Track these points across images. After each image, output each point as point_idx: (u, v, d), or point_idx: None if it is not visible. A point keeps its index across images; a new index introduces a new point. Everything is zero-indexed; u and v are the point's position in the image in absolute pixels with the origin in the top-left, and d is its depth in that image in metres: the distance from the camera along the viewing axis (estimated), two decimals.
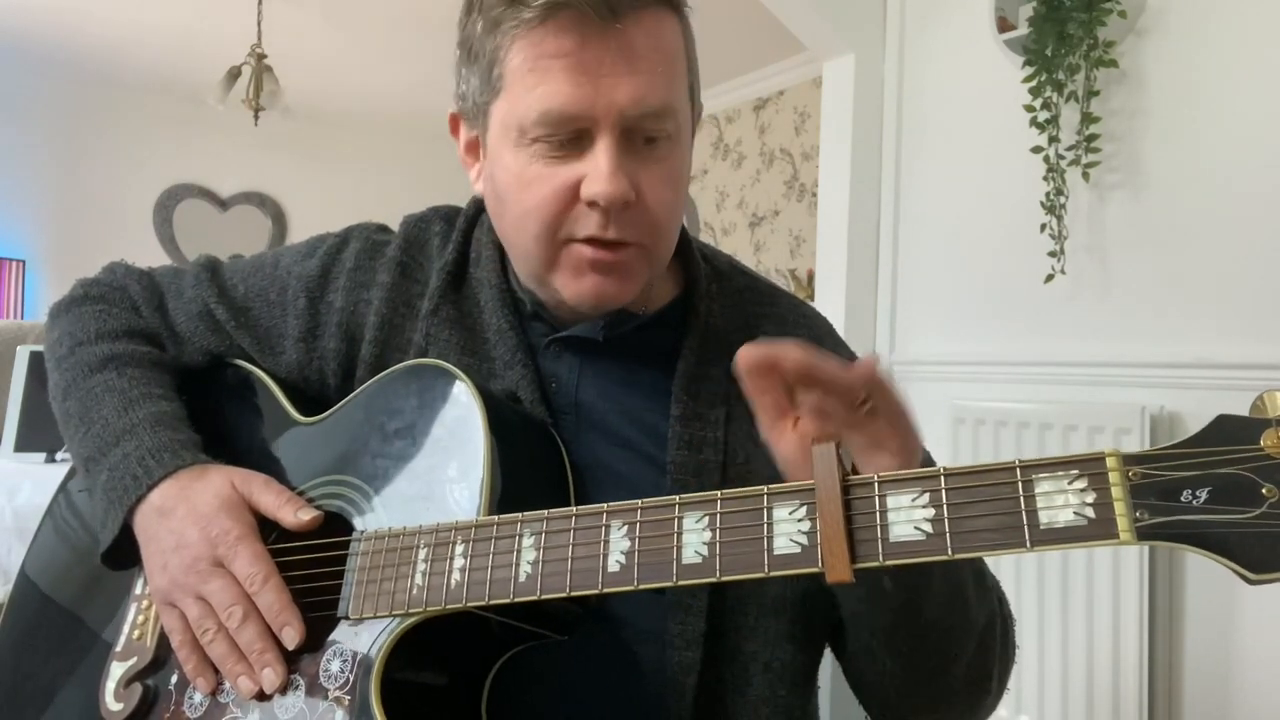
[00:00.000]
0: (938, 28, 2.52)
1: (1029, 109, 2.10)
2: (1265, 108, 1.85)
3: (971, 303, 2.40)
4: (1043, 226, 2.11)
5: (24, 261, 5.35)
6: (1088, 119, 2.04)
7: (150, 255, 5.46)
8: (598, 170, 0.70)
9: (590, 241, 0.73)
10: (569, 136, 0.71)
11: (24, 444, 2.38)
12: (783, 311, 0.88)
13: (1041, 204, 2.11)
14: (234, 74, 4.20)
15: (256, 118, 4.32)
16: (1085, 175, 2.06)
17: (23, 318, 5.20)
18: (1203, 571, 1.88)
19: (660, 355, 0.82)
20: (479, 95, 0.75)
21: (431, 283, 0.86)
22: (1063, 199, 2.10)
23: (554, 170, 0.72)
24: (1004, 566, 2.05)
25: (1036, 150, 2.10)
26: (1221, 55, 1.92)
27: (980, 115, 2.39)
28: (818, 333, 0.88)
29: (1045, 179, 2.10)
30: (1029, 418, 2.15)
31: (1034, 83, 2.09)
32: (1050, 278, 2.11)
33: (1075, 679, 2.02)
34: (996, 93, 2.32)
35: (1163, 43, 2.02)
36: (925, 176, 2.54)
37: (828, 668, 0.85)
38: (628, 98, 0.70)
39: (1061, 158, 2.08)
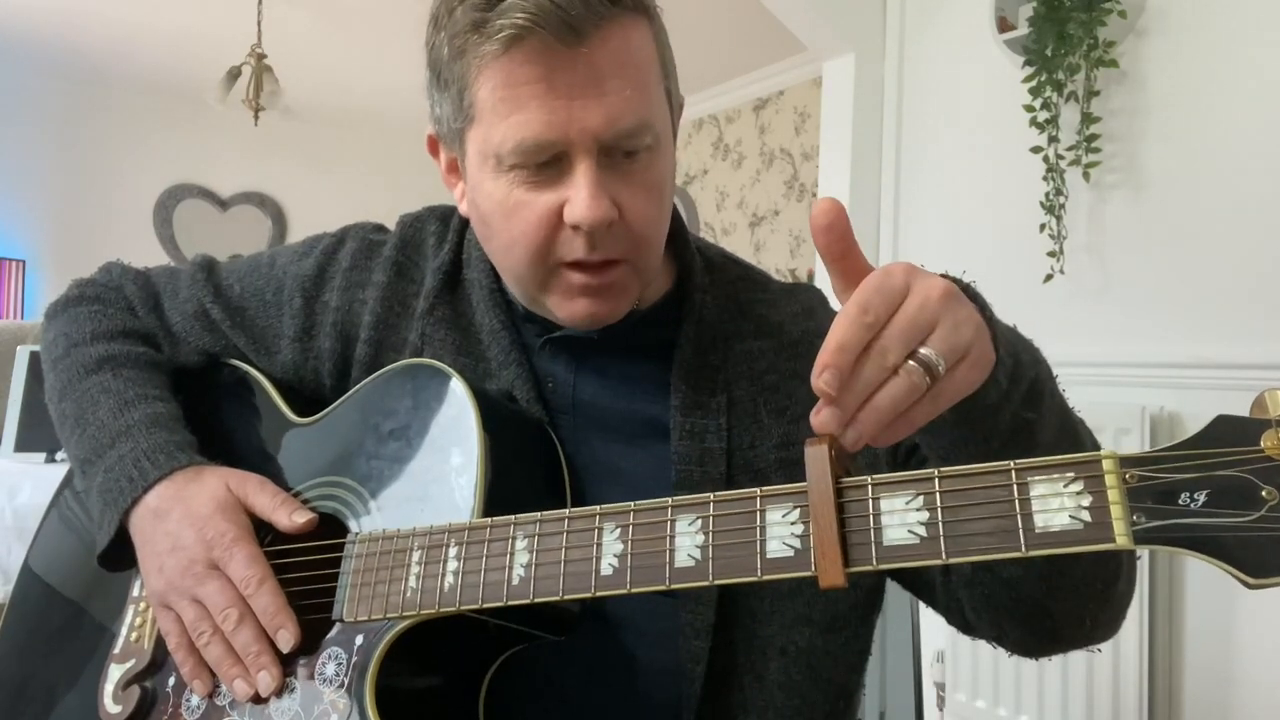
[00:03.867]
0: (938, 28, 2.51)
1: (1029, 109, 2.10)
2: (1265, 108, 1.84)
3: None
4: (1042, 226, 2.11)
5: (24, 261, 5.34)
6: (1088, 119, 2.04)
7: (150, 255, 5.46)
8: (578, 195, 0.69)
9: (578, 266, 0.73)
10: (547, 161, 0.70)
11: (24, 444, 2.39)
12: (775, 296, 0.88)
13: (1041, 204, 2.11)
14: (234, 74, 4.19)
15: (256, 118, 4.31)
16: (1085, 175, 2.05)
17: (23, 318, 5.19)
18: (1203, 572, 1.88)
19: (657, 349, 0.82)
20: (453, 121, 0.75)
21: (427, 283, 0.86)
22: (1062, 199, 2.10)
23: (535, 196, 0.71)
24: None
25: (1036, 150, 2.10)
26: (1221, 55, 1.92)
27: (980, 115, 2.39)
28: (810, 303, 0.87)
29: (1045, 179, 2.10)
30: None
31: (1034, 83, 2.08)
32: (1050, 278, 2.11)
33: (1075, 679, 2.02)
34: (996, 93, 2.31)
35: (1163, 43, 2.01)
36: (925, 177, 2.54)
37: None
38: (600, 121, 0.69)
39: (1061, 158, 2.08)
